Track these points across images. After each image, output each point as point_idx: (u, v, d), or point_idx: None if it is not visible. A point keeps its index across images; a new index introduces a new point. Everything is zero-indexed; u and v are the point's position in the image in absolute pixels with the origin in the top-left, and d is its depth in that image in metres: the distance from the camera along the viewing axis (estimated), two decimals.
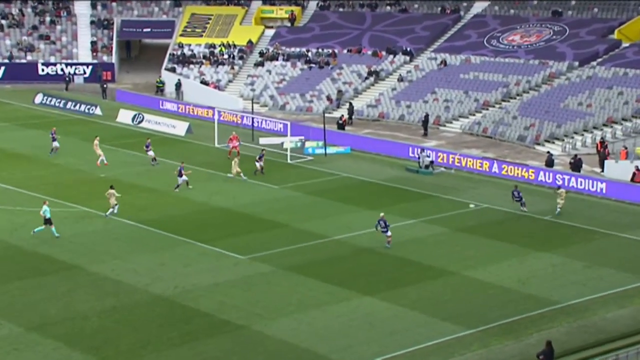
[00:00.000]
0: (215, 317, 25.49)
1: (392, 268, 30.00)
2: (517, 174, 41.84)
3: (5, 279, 27.91)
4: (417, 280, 28.76)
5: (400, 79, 59.67)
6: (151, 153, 43.14)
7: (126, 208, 35.57)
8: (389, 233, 31.90)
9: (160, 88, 63.46)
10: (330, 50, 64.28)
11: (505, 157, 46.05)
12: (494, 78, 57.15)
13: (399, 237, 32.89)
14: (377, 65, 62.00)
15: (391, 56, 62.76)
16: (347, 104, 56.46)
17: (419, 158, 44.06)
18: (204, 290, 27.42)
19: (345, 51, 64.30)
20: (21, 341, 23.63)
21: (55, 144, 44.74)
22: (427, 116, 53.02)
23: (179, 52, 66.51)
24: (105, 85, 62.26)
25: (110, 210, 34.33)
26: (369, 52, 63.55)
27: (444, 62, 60.20)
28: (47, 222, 31.81)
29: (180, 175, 38.25)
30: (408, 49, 62.94)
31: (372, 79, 60.82)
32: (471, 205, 34.36)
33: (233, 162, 40.50)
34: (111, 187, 34.80)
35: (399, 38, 64.65)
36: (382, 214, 32.44)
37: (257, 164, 40.97)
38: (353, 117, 55.61)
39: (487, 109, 54.78)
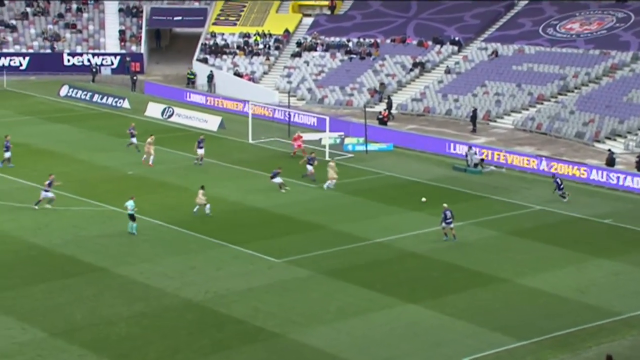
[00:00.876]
0: (248, 324, 25.60)
1: (438, 274, 29.83)
2: (569, 172, 41.30)
3: (28, 280, 28.35)
4: (465, 287, 28.56)
5: (448, 71, 59.27)
6: (201, 151, 43.13)
7: (155, 208, 35.90)
8: (452, 225, 32.10)
9: (191, 80, 63.95)
10: (373, 40, 64.12)
11: (561, 156, 45.50)
12: (549, 70, 56.48)
13: (446, 241, 32.71)
14: (422, 56, 61.68)
15: (438, 46, 62.39)
16: (387, 98, 56.20)
17: (466, 156, 43.75)
18: (237, 296, 27.56)
19: (388, 41, 64.09)
20: (45, 347, 23.98)
21: (134, 140, 44.75)
22: (475, 111, 52.63)
23: (211, 42, 66.95)
24: (135, 77, 62.91)
25: (197, 207, 35.02)
26: (414, 42, 63.26)
27: (495, 53, 59.66)
28: (131, 218, 32.46)
29: (274, 177, 38.08)
30: (456, 39, 62.50)
31: (417, 70, 60.53)
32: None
33: (329, 168, 39.55)
34: (202, 188, 35.30)
35: (446, 27, 64.23)
36: (445, 205, 32.68)
37: (309, 168, 40.16)
38: (395, 111, 55.43)
39: (542, 104, 54.15)
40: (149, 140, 43.21)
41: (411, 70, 60.57)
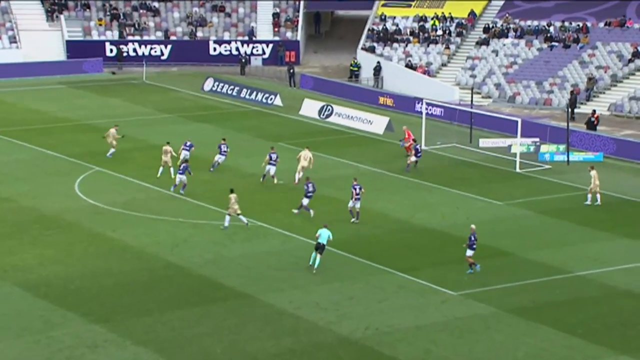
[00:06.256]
0: None
1: None
2: None
3: (165, 306, 29.66)
4: None
5: None
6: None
7: (306, 224, 36.71)
8: None
9: (355, 72, 64.97)
10: (581, 24, 62.82)
11: None
12: None
13: None
14: None
15: None
16: (570, 93, 54.41)
17: None
18: (403, 334, 27.72)
19: (601, 25, 62.62)
20: None
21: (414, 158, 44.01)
22: None
23: (380, 27, 67.75)
24: (292, 69, 64.51)
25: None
26: (636, 26, 61.40)
27: None
28: (318, 248, 31.62)
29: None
30: None
31: (638, 62, 58.76)
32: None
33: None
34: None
35: None
36: None
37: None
38: (607, 113, 54.02)
39: None
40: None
41: (630, 61, 58.82)
